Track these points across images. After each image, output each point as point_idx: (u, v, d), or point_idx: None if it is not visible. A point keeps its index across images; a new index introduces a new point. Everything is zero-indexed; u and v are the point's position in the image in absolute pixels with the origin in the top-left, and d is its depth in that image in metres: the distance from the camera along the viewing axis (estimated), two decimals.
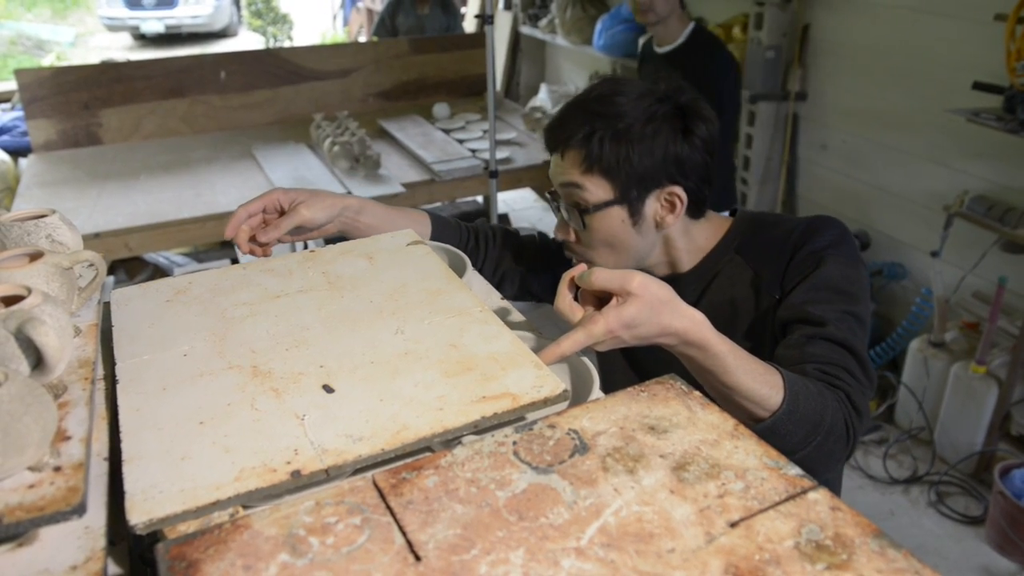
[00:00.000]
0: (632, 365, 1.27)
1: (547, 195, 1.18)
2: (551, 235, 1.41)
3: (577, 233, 1.13)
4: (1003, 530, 2.32)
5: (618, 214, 1.08)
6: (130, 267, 3.70)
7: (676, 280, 1.16)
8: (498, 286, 1.31)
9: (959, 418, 2.70)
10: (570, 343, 0.82)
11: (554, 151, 1.12)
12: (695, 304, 1.10)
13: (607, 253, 1.12)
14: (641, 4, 2.76)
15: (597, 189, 1.07)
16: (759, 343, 1.08)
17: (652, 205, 1.09)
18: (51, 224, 0.87)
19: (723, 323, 1.07)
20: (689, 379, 0.89)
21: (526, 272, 1.36)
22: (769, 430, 0.87)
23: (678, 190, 1.08)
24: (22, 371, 0.67)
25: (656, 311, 0.81)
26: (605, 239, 1.11)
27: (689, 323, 0.83)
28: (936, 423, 2.79)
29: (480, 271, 1.28)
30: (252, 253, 1.12)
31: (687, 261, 1.16)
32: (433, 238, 1.25)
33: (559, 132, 1.10)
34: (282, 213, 1.14)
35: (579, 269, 0.87)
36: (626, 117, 1.05)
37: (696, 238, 1.15)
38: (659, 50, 2.87)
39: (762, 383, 0.87)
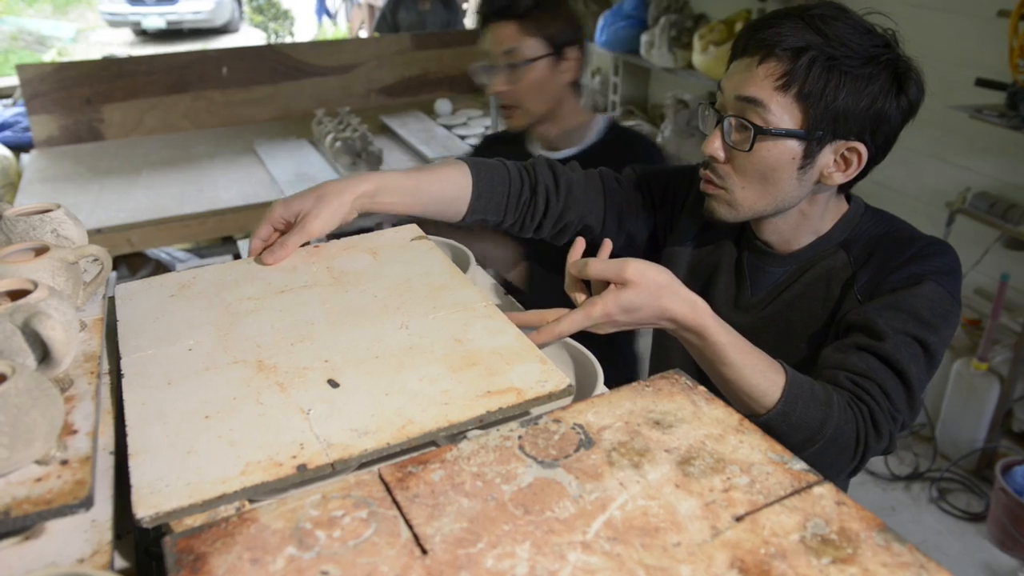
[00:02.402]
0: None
1: (706, 104, 1.05)
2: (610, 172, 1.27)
3: (732, 155, 1.00)
4: (1004, 526, 2.33)
5: (792, 149, 0.96)
6: (132, 263, 3.70)
7: (777, 257, 1.09)
8: (555, 237, 1.22)
9: (961, 415, 2.70)
10: (568, 323, 0.83)
11: (749, 54, 0.97)
12: (784, 289, 1.07)
13: (754, 185, 1.00)
14: (500, 96, 1.61)
15: (784, 113, 0.95)
16: (824, 342, 1.02)
17: (827, 156, 0.98)
18: (56, 218, 0.87)
19: (805, 316, 1.05)
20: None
21: (589, 219, 1.22)
22: (764, 426, 0.84)
23: (861, 148, 0.97)
24: (29, 365, 0.67)
25: (655, 295, 0.82)
26: (763, 171, 0.98)
27: (687, 308, 0.83)
28: (938, 419, 2.79)
29: (538, 227, 1.19)
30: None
31: (802, 239, 1.07)
32: (475, 196, 1.11)
33: (765, 34, 0.95)
34: (289, 226, 1.02)
35: (578, 249, 0.87)
36: (847, 47, 0.93)
37: (824, 216, 1.06)
38: (551, 155, 1.66)
39: (760, 379, 0.85)
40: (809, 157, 0.97)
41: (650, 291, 0.81)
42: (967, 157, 2.83)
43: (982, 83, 2.54)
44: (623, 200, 1.23)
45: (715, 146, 1.01)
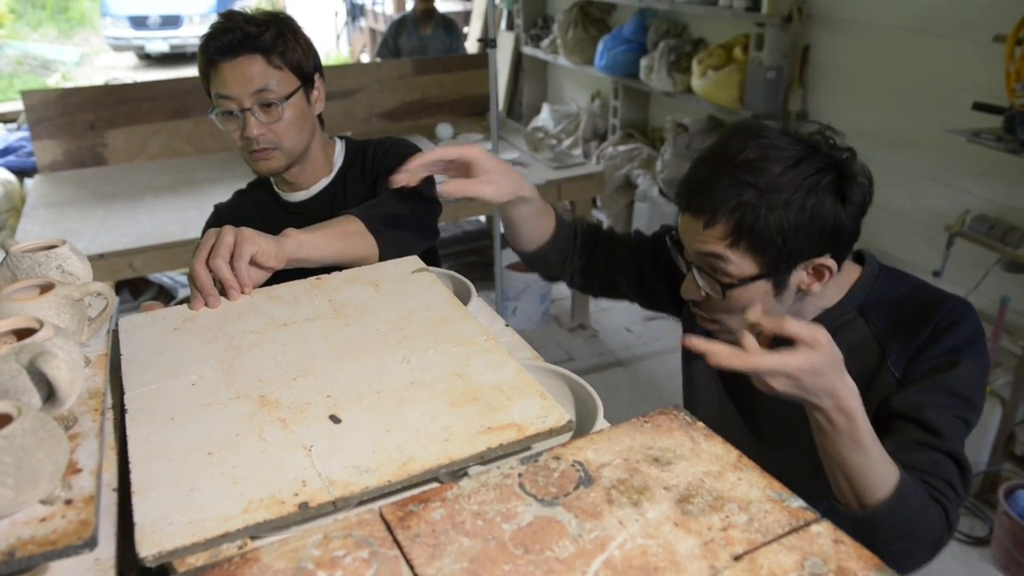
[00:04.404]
0: (728, 390, 1.22)
1: (675, 247, 1.10)
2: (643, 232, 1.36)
3: (710, 297, 1.06)
4: (1008, 551, 2.31)
5: (761, 287, 1.00)
6: (135, 287, 3.72)
7: None
8: (584, 286, 1.32)
9: None
10: (769, 363, 0.81)
11: (693, 214, 1.01)
12: None
13: (741, 318, 1.05)
14: (256, 140, 1.42)
15: (743, 262, 0.99)
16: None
17: (798, 275, 1.01)
18: (61, 255, 0.88)
19: None
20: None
21: (617, 274, 1.31)
22: (870, 520, 0.88)
23: (829, 261, 1.00)
24: (34, 404, 0.68)
25: (835, 368, 0.82)
26: (743, 307, 0.99)
27: (850, 390, 0.84)
28: None
29: (576, 272, 1.31)
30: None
31: (807, 316, 1.09)
32: (555, 234, 1.29)
33: (703, 199, 0.99)
34: (466, 169, 1.17)
35: (756, 311, 0.85)
36: (784, 190, 0.95)
37: (823, 296, 1.08)
38: (292, 198, 1.57)
39: (879, 469, 0.87)
40: (780, 286, 1.01)
41: (833, 363, 0.82)
42: (965, 180, 2.85)
43: (979, 107, 2.56)
44: (644, 257, 1.30)
45: (692, 292, 1.06)
